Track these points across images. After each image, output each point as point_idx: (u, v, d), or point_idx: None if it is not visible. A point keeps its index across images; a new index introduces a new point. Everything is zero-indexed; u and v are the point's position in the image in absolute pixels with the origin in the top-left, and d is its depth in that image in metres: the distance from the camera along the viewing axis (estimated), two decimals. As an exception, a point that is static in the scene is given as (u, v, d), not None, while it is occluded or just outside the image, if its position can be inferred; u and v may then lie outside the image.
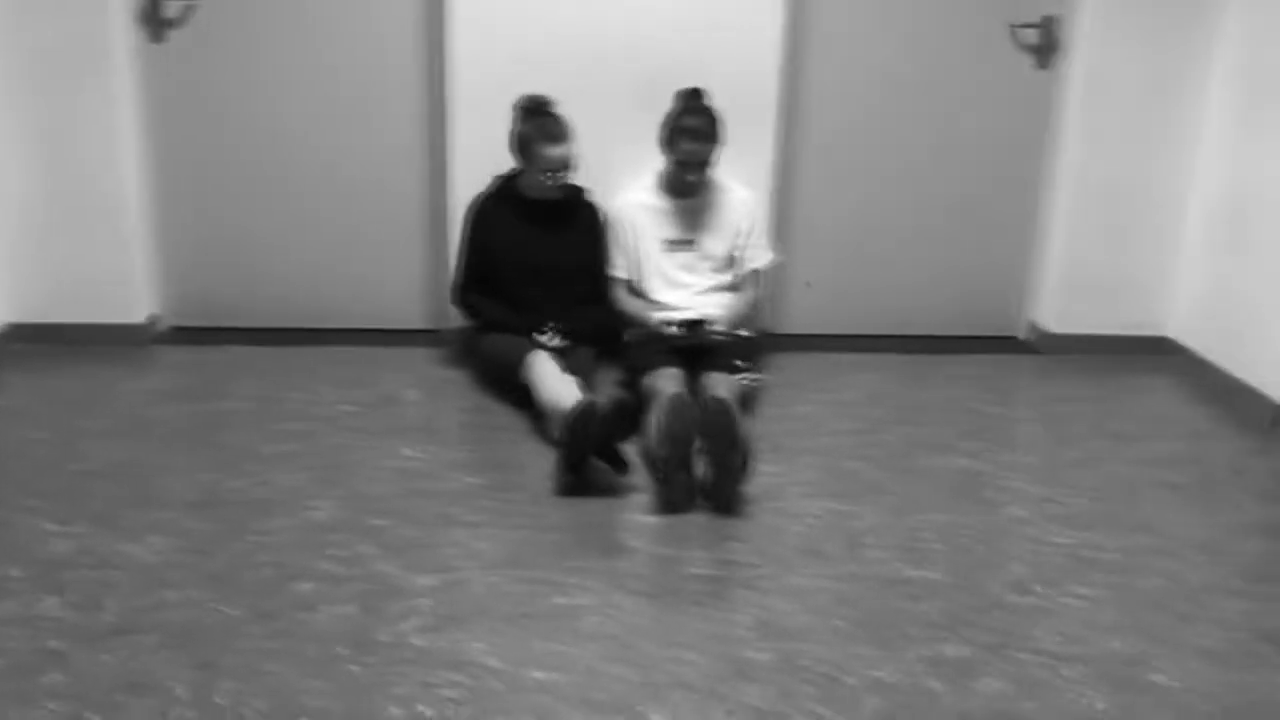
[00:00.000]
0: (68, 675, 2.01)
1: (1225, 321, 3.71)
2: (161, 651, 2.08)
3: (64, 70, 3.48)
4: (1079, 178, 3.87)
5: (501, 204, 3.48)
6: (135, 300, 3.75)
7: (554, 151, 3.34)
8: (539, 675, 2.06)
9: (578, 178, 3.45)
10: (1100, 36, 3.73)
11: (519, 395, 3.21)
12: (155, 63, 3.64)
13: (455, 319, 3.68)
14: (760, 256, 3.60)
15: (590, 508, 2.73)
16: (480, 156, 3.52)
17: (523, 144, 3.37)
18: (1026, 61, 3.85)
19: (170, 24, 3.61)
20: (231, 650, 2.09)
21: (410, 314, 3.92)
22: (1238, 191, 3.65)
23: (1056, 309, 4.00)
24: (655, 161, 3.47)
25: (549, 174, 3.36)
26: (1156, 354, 3.98)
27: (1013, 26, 3.81)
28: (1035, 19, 3.80)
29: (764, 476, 2.87)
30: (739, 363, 3.27)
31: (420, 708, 1.96)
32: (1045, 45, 3.83)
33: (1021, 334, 4.14)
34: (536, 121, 3.36)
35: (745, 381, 3.26)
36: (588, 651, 2.14)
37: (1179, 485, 3.01)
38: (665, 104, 3.40)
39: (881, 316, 4.07)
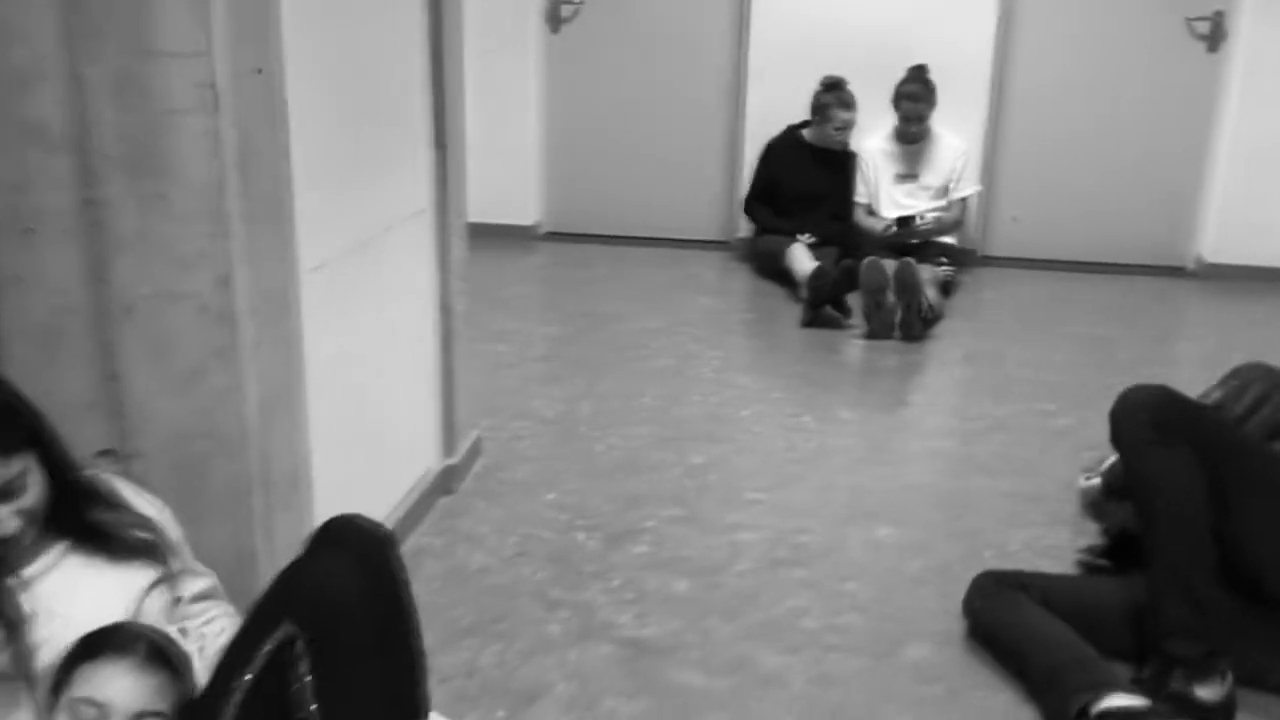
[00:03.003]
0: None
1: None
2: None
3: (493, 48, 5.27)
4: (1237, 138, 4.88)
5: (788, 147, 4.98)
6: (528, 209, 5.54)
7: (845, 115, 4.81)
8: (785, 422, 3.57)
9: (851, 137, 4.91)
10: (1257, 26, 4.74)
11: (783, 278, 4.69)
12: (554, 46, 5.41)
13: (742, 231, 5.22)
14: (967, 187, 4.90)
15: (821, 335, 4.19)
16: (763, 115, 5.05)
17: (821, 107, 4.85)
18: (1200, 46, 4.91)
19: (564, 20, 5.37)
20: (610, 374, 3.72)
21: (710, 228, 5.49)
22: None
23: (1214, 243, 5.03)
24: (891, 118, 4.86)
25: (838, 130, 4.83)
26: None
27: (1188, 19, 4.88)
28: (1208, 13, 4.86)
29: (943, 330, 4.22)
30: (941, 258, 4.60)
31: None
32: (1214, 33, 4.88)
33: (1190, 264, 5.18)
34: (835, 94, 4.83)
35: (942, 273, 4.59)
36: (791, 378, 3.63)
37: None
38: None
39: (1072, 248, 5.22)
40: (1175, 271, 5.17)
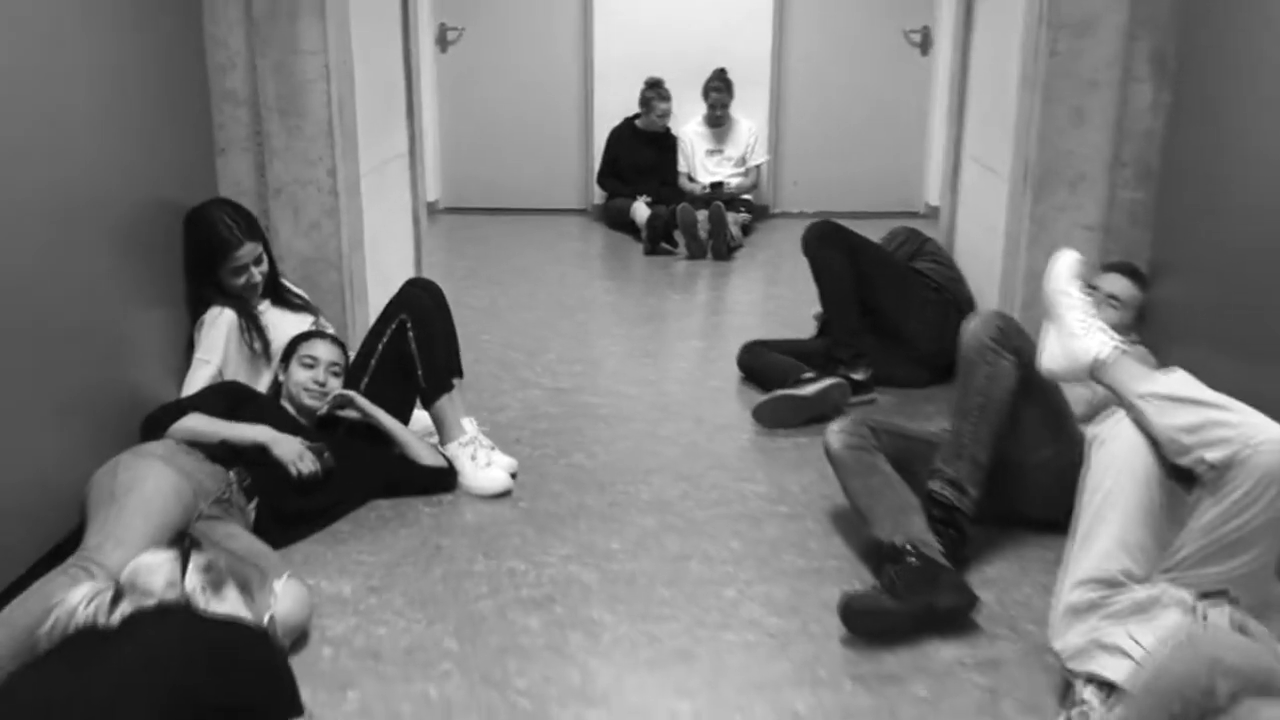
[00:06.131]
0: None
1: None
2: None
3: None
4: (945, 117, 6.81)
5: (625, 133, 6.68)
6: (429, 189, 7.06)
7: (663, 106, 6.53)
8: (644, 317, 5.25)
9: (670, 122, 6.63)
10: (954, 37, 6.68)
11: (629, 229, 6.37)
12: (442, 63, 6.97)
13: (596, 199, 6.88)
14: (759, 158, 6.70)
15: (659, 259, 5.89)
16: (607, 109, 6.75)
17: (646, 100, 6.56)
18: (916, 51, 6.85)
19: (450, 42, 6.94)
20: (511, 288, 5.32)
21: (572, 198, 7.14)
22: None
23: (933, 191, 6.96)
24: (702, 107, 6.62)
25: (660, 117, 6.54)
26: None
27: (905, 31, 6.81)
28: (919, 27, 6.79)
29: (742, 254, 5.98)
30: (742, 208, 6.37)
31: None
32: (924, 41, 6.81)
33: (921, 209, 7.09)
34: (655, 89, 6.54)
35: (743, 218, 6.35)
36: (635, 289, 5.32)
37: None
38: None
39: (838, 200, 7.07)
40: (911, 215, 7.08)
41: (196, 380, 2.90)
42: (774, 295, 5.30)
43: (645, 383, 4.00)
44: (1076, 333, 2.27)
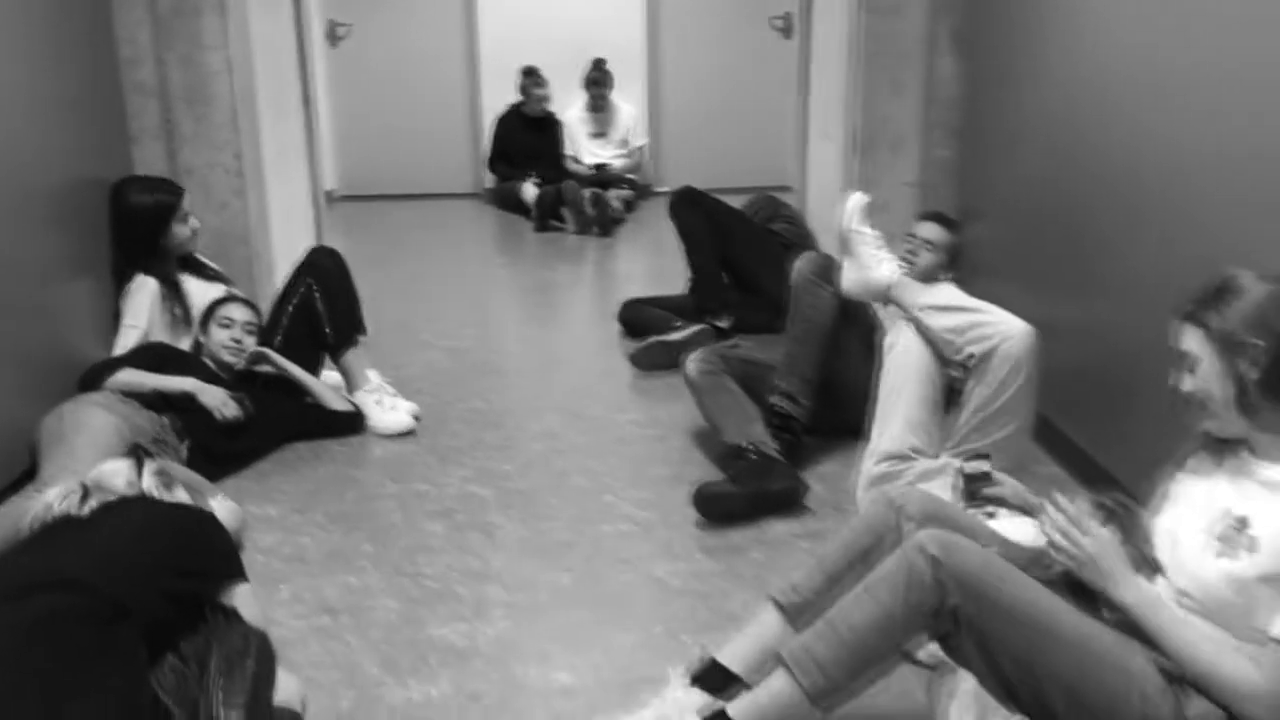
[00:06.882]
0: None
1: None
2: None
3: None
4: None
5: (511, 119, 7.07)
6: (325, 178, 7.36)
7: (539, 92, 6.94)
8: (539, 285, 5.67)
9: (551, 106, 7.05)
10: (815, 24, 7.23)
11: (519, 209, 6.77)
12: (333, 58, 7.27)
13: (487, 183, 7.27)
14: (638, 140, 7.17)
15: (548, 235, 6.31)
16: (495, 96, 7.15)
17: (524, 88, 6.96)
18: (779, 36, 7.38)
19: (340, 38, 7.24)
20: (411, 262, 5.68)
21: (463, 183, 7.51)
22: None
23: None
24: (584, 95, 7.05)
25: (537, 103, 6.95)
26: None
27: (770, 18, 7.34)
28: (782, 13, 7.33)
29: (625, 229, 6.44)
30: (624, 187, 6.83)
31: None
32: (787, 27, 7.35)
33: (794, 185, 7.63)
34: (531, 78, 6.95)
35: (626, 195, 6.81)
36: (532, 262, 5.74)
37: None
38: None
39: (715, 178, 7.56)
40: (783, 188, 7.61)
41: (125, 342, 3.24)
42: (655, 263, 5.77)
43: (536, 340, 4.43)
44: (869, 264, 2.77)
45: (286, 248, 4.10)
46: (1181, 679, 1.75)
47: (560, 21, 7.26)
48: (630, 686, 2.10)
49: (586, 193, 6.33)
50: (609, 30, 7.26)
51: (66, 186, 3.16)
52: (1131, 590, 1.78)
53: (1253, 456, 1.84)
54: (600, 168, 6.95)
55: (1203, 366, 1.84)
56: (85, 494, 2.07)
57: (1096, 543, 1.82)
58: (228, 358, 3.27)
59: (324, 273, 3.41)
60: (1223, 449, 1.90)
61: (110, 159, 3.48)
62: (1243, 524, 1.77)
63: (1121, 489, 2.27)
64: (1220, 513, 1.82)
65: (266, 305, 3.64)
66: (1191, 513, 1.89)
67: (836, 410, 3.16)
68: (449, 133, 7.47)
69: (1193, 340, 1.85)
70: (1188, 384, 1.88)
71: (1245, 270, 1.87)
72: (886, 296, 2.74)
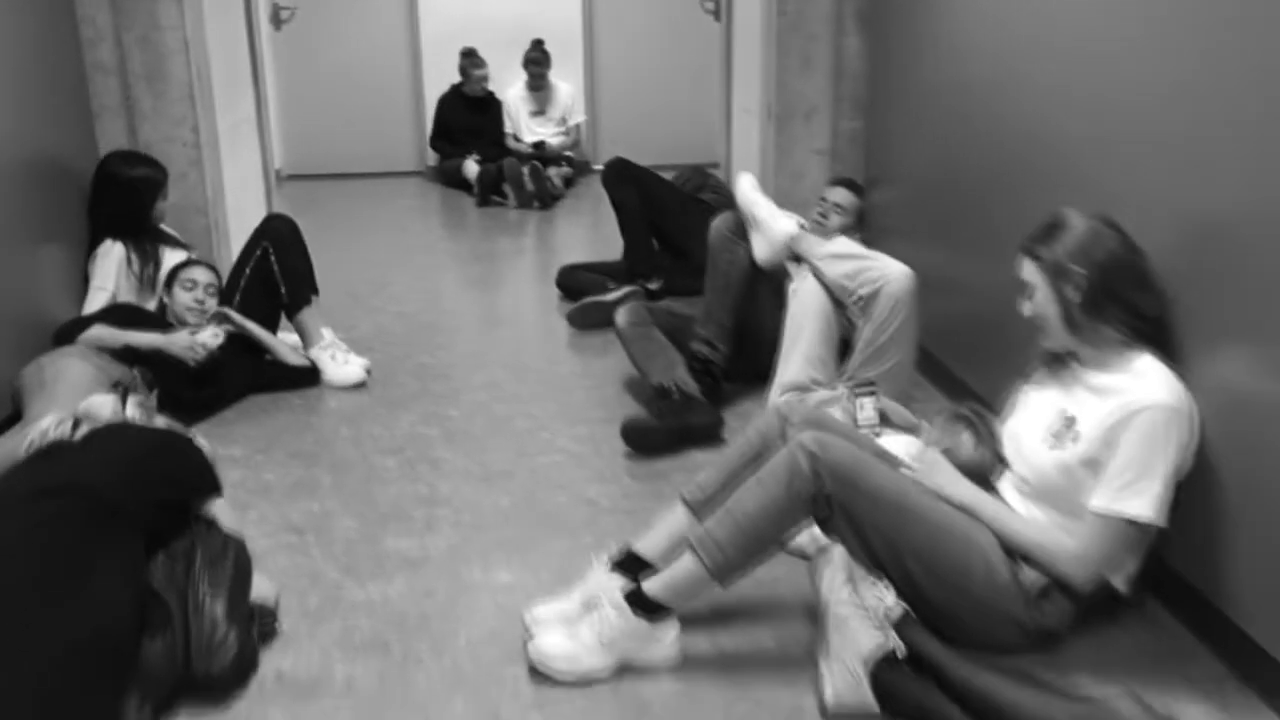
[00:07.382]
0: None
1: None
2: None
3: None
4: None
5: (452, 99, 7.32)
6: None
7: (478, 72, 7.19)
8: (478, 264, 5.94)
9: (491, 86, 7.31)
10: (742, 7, 7.56)
11: (463, 186, 7.03)
12: (277, 40, 7.46)
13: (430, 161, 7.51)
14: (576, 118, 7.46)
15: (491, 210, 6.59)
16: (437, 76, 7.38)
17: (463, 69, 7.21)
18: (710, 19, 7.69)
19: (284, 21, 7.43)
20: (360, 239, 5.93)
21: (408, 161, 7.75)
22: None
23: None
24: (523, 74, 7.32)
25: (476, 83, 7.20)
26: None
27: (702, 1, 7.65)
28: (713, -3, 7.65)
29: (565, 204, 6.73)
30: (563, 163, 7.12)
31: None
32: (718, 10, 7.67)
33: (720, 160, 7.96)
34: (469, 59, 7.20)
35: (565, 171, 7.10)
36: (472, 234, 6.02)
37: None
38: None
39: (651, 155, 7.87)
40: (714, 165, 7.94)
41: (94, 303, 3.48)
42: (592, 234, 6.08)
43: (479, 304, 4.71)
44: (770, 225, 3.12)
45: (241, 218, 4.35)
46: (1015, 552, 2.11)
47: (500, 3, 7.53)
48: (563, 582, 2.41)
49: (526, 168, 6.61)
50: (548, 11, 7.55)
51: (34, 160, 3.39)
52: (960, 492, 2.16)
53: (1081, 367, 2.21)
54: (540, 145, 7.23)
55: (1038, 293, 2.20)
56: (76, 423, 2.33)
57: (924, 464, 2.20)
58: (191, 319, 3.52)
59: (279, 236, 3.67)
60: (1058, 363, 2.27)
61: (74, 134, 3.71)
62: (1071, 422, 2.14)
63: (982, 402, 2.64)
64: (1056, 414, 2.19)
65: (226, 268, 3.90)
66: (1032, 416, 2.25)
67: (752, 357, 3.50)
68: (392, 113, 7.71)
69: (1030, 270, 2.22)
70: (1027, 309, 2.24)
71: (1073, 209, 2.23)
72: (791, 249, 3.08)
